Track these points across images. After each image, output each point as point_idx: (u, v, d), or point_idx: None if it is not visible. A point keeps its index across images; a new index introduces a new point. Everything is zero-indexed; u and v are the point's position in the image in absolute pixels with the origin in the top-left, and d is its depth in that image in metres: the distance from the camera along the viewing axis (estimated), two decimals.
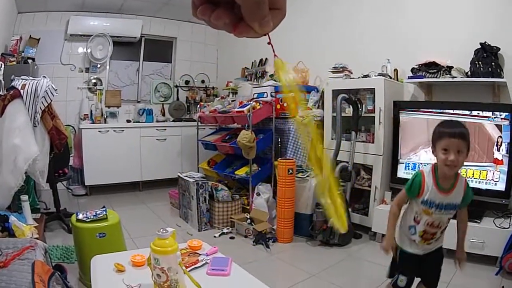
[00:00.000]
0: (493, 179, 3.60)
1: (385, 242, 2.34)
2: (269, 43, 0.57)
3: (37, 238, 2.76)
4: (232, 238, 4.37)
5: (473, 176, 3.69)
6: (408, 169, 4.17)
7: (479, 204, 3.60)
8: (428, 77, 4.05)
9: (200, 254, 2.04)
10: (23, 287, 1.84)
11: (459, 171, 2.20)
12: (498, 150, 3.54)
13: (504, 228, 3.38)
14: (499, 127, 3.55)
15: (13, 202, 3.65)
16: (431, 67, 4.05)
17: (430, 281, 2.39)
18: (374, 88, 4.28)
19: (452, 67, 3.90)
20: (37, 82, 3.87)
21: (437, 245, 2.32)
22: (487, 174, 3.63)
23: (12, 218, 2.94)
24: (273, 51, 0.60)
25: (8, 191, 3.49)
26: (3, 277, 1.91)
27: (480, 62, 3.69)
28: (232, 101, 6.03)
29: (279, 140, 5.01)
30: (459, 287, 3.10)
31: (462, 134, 2.05)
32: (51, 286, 1.98)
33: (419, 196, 2.21)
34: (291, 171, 4.18)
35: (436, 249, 2.32)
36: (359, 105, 4.32)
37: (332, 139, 4.62)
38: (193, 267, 1.87)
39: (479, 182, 3.66)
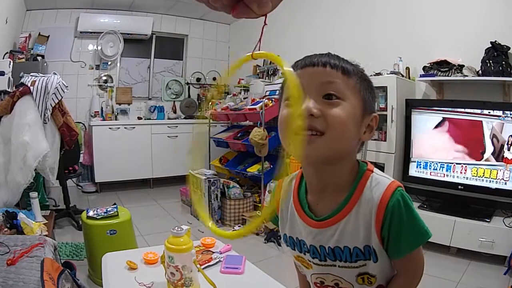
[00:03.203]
0: (503, 178, 3.55)
1: None
2: (264, 24, 0.56)
3: (46, 235, 2.74)
4: None
5: (483, 175, 3.66)
6: (420, 167, 4.12)
7: (489, 204, 3.64)
8: (439, 76, 4.01)
9: (213, 252, 2.01)
10: (32, 285, 1.82)
11: (366, 169, 1.02)
12: (509, 149, 3.50)
13: None
14: (509, 126, 3.51)
15: (22, 199, 3.65)
16: (442, 65, 4.01)
17: None
18: (386, 86, 4.23)
19: (463, 65, 3.86)
20: (47, 79, 3.87)
21: None
22: (497, 173, 3.58)
23: (21, 215, 2.92)
24: (259, 40, 0.59)
25: (17, 188, 3.47)
26: (11, 275, 1.89)
27: (490, 61, 3.67)
28: (244, 98, 6.01)
29: None
30: (468, 286, 3.07)
31: (334, 62, 0.95)
32: (60, 283, 1.96)
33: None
34: None
35: None
36: None
37: None
38: (206, 265, 1.85)
39: (489, 181, 3.62)
